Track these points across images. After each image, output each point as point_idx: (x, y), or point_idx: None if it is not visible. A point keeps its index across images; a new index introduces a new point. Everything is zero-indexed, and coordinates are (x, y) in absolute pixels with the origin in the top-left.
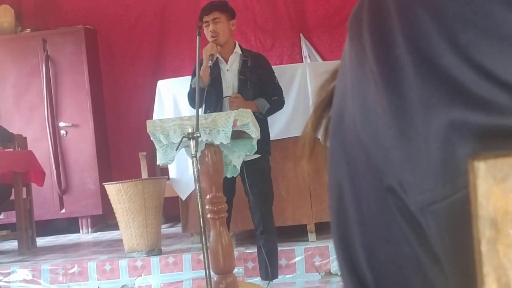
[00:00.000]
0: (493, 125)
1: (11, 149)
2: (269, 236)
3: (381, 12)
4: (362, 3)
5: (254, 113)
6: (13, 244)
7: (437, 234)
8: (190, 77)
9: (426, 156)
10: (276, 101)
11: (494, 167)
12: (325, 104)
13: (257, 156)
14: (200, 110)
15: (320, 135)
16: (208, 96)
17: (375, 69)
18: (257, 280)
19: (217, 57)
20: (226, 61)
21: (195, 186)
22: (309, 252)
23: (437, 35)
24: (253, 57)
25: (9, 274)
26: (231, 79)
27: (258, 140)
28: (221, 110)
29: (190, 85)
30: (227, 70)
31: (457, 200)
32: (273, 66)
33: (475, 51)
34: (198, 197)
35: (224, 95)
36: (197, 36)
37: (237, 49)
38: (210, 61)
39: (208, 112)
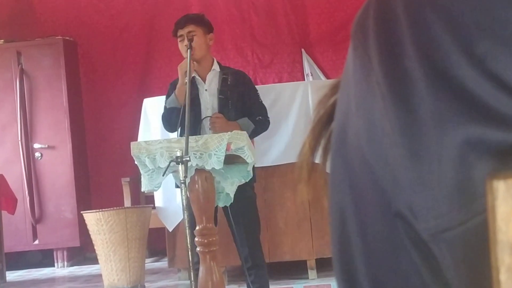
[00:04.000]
0: None
1: None
2: (259, 270)
3: (389, 19)
4: (368, 9)
5: None
6: None
7: (451, 263)
8: None
9: (439, 178)
10: (261, 121)
11: None
12: (324, 121)
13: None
14: (175, 133)
15: (319, 158)
16: (184, 119)
17: (382, 81)
18: None
19: (194, 76)
20: (204, 80)
21: (184, 216)
22: None
23: (451, 44)
24: (233, 74)
25: None
26: (210, 99)
27: None
28: (199, 134)
29: (165, 106)
30: (205, 90)
31: (473, 226)
32: (272, 84)
33: (493, 61)
34: (187, 228)
35: (204, 116)
36: (188, 50)
37: (215, 66)
38: (186, 78)
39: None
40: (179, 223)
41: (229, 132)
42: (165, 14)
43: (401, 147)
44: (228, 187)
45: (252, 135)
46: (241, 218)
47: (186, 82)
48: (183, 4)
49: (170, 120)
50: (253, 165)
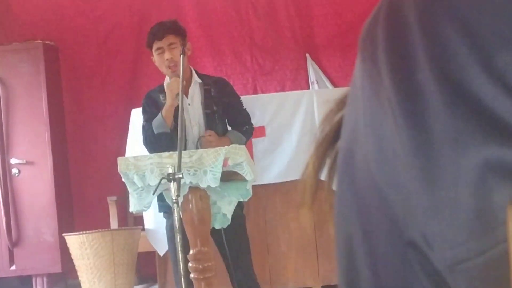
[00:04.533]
0: None
1: None
2: None
3: (401, 28)
4: (377, 16)
5: None
6: None
7: None
8: None
9: (456, 203)
10: (247, 131)
11: None
12: (329, 139)
13: None
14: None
15: (324, 177)
16: (169, 140)
17: (393, 97)
18: None
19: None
20: (186, 94)
21: (176, 239)
22: None
23: (468, 57)
24: (215, 84)
25: None
26: (196, 115)
27: None
28: None
29: (147, 128)
30: (188, 104)
31: (493, 256)
32: (273, 94)
33: None
34: (180, 252)
35: (190, 133)
36: (181, 56)
37: (195, 77)
38: (178, 101)
39: None
40: None
41: (226, 146)
42: (155, 16)
43: (414, 169)
44: (225, 207)
45: None
46: (232, 242)
47: (177, 103)
48: (175, 4)
49: (158, 146)
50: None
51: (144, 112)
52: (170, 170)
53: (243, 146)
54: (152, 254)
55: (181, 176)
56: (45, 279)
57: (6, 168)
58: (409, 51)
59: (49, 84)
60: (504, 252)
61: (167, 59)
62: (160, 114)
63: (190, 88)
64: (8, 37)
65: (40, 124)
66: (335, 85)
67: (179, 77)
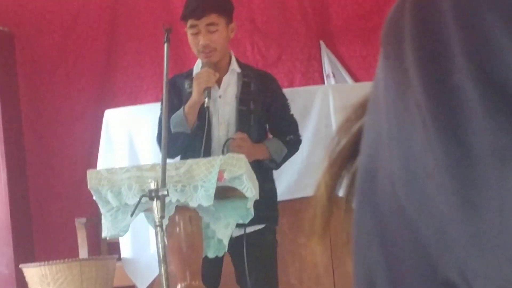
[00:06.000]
0: None
1: None
2: None
3: (432, 18)
4: (403, 4)
5: (263, 161)
6: None
7: None
8: (155, 105)
9: (503, 233)
10: (291, 141)
11: None
12: (346, 154)
13: (260, 226)
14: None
15: (342, 193)
16: (190, 141)
17: (423, 102)
18: None
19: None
20: (218, 83)
21: (160, 270)
22: None
23: None
24: (258, 77)
25: None
26: (227, 110)
27: (260, 203)
28: None
29: (166, 125)
30: (219, 96)
31: None
32: None
33: None
34: (165, 287)
35: (215, 134)
36: (165, 44)
37: (234, 65)
38: (205, 98)
39: None
40: (154, 279)
41: (220, 156)
42: None
43: (451, 193)
44: (221, 231)
45: (283, 162)
46: (255, 274)
47: (206, 103)
48: None
49: (174, 148)
50: (276, 201)
51: (163, 102)
52: (152, 186)
53: (242, 157)
54: None
55: (165, 193)
56: None
57: None
58: (443, 46)
59: (2, 80)
60: None
61: (202, 44)
62: (182, 109)
63: (225, 77)
64: None
65: None
66: (355, 78)
67: (213, 66)
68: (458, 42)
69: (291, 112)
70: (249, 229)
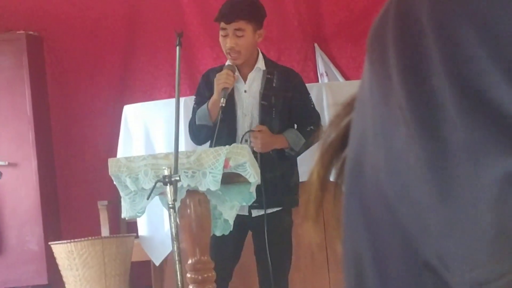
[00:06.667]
0: None
1: None
2: None
3: (412, 28)
4: (386, 15)
5: (283, 150)
6: None
7: None
8: (169, 100)
9: (476, 221)
10: (312, 131)
11: None
12: (336, 146)
13: (279, 208)
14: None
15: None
16: (214, 132)
17: (405, 104)
18: None
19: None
20: (245, 78)
21: (173, 247)
22: None
23: (487, 61)
24: (281, 74)
25: None
26: (250, 104)
27: (284, 187)
28: None
29: (194, 114)
30: (245, 91)
31: None
32: None
33: None
34: (177, 262)
35: (240, 125)
36: (177, 46)
37: (260, 63)
38: (222, 98)
39: None
40: (168, 255)
41: (227, 146)
42: (149, 1)
43: (429, 183)
44: (227, 212)
45: (302, 150)
46: (273, 250)
47: (221, 103)
48: None
49: (199, 138)
50: (298, 185)
51: (197, 93)
52: (166, 172)
53: (246, 146)
54: (147, 263)
55: (178, 178)
56: None
57: None
58: (422, 53)
59: (33, 79)
60: None
61: (228, 47)
62: (206, 104)
63: (251, 73)
64: None
65: (23, 123)
66: (346, 77)
67: (234, 68)
68: (436, 51)
69: (313, 105)
70: (269, 211)
